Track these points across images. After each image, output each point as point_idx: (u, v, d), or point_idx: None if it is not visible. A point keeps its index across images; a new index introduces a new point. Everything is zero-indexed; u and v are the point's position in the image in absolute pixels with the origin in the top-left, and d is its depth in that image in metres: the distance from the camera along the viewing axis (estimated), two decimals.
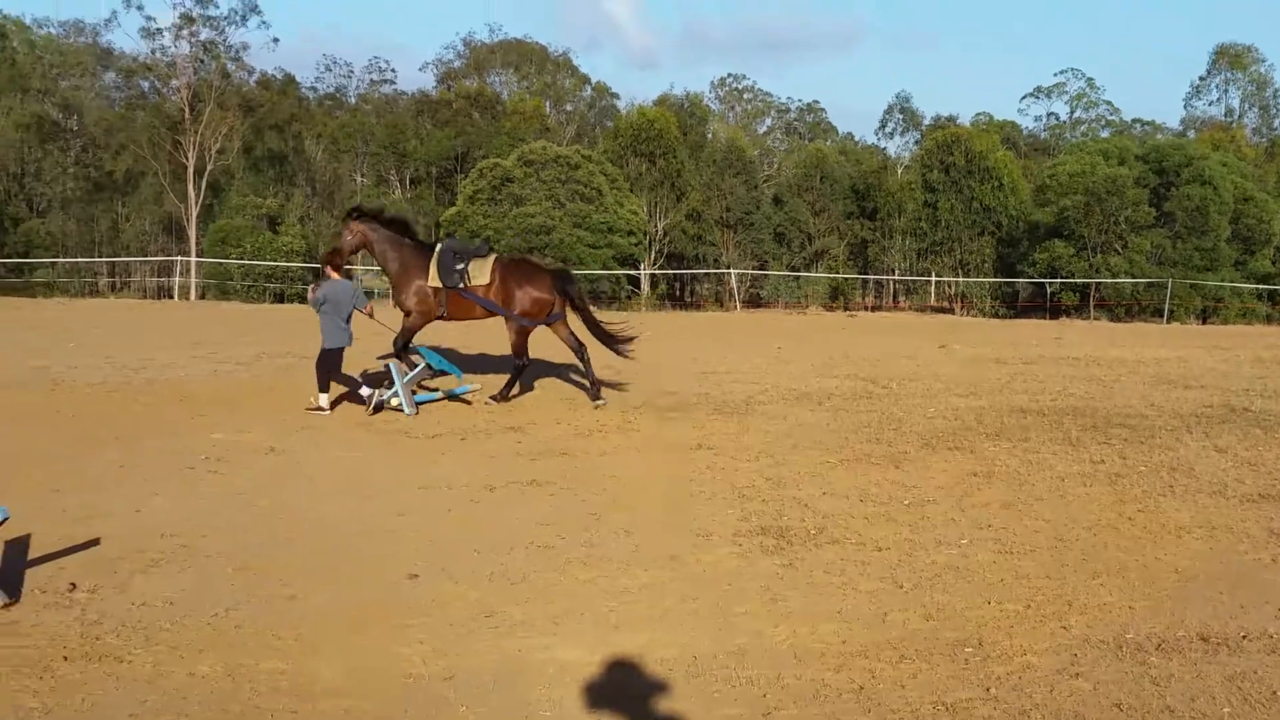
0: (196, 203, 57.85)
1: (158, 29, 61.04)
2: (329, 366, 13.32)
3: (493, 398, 14.22)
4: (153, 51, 61.79)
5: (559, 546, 8.13)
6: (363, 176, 76.11)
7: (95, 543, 7.85)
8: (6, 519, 6.55)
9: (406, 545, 8.12)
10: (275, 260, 49.79)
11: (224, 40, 61.45)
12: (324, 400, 13.30)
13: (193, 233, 56.94)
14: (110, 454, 10.72)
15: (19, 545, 7.66)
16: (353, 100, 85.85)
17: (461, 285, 14.02)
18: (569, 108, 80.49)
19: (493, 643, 6.32)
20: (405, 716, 5.32)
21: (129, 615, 6.52)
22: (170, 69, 61.35)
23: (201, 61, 60.81)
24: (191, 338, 21.01)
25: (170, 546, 7.87)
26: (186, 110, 58.89)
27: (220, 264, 49.48)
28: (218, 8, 61.33)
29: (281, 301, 46.62)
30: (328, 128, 74.31)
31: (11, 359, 16.85)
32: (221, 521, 8.59)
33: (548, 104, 77.77)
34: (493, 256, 14.37)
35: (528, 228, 50.14)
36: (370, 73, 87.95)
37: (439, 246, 14.22)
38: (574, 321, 14.64)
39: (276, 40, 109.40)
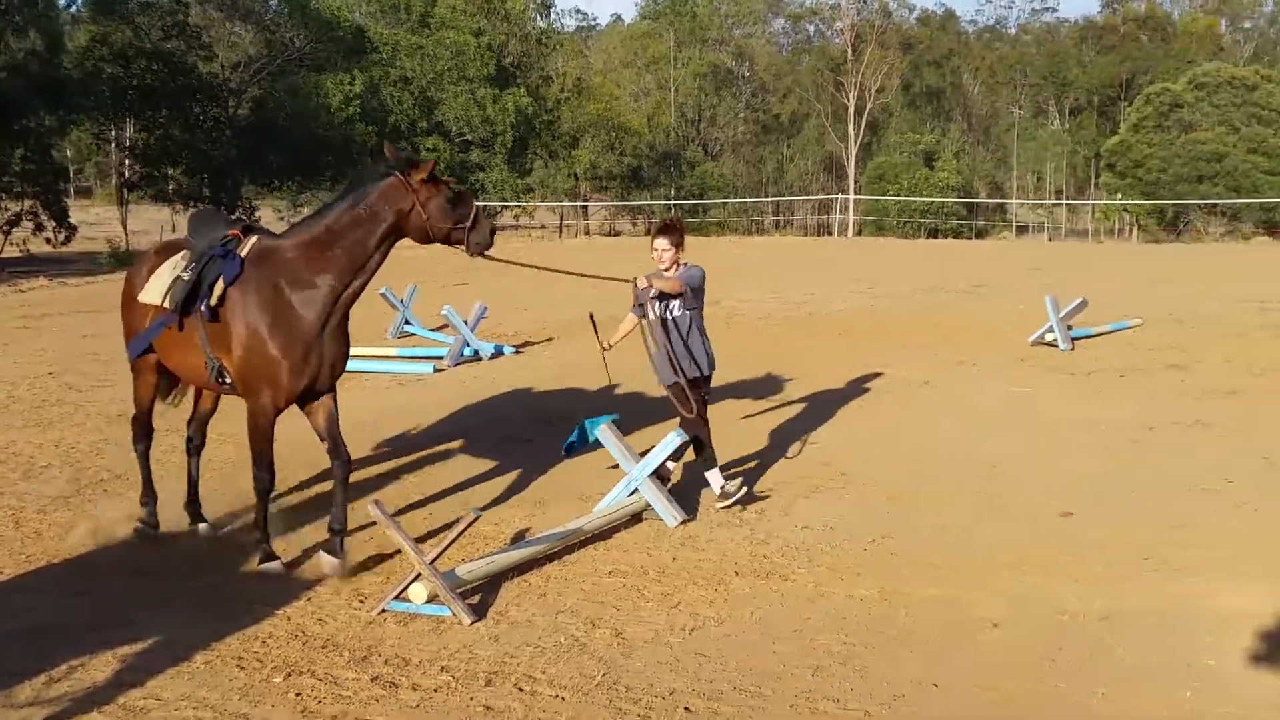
0: (856, 141, 59.95)
1: None
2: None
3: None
4: None
5: (1226, 491, 7.60)
6: (1020, 109, 74.36)
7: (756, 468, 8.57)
8: (688, 442, 7.35)
9: (1061, 483, 8.00)
10: (930, 196, 50.40)
11: None
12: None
13: (851, 171, 59.10)
14: (777, 386, 11.52)
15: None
16: (1012, 31, 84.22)
17: None
18: (1247, 25, 72.75)
19: (1152, 586, 6.04)
20: (1060, 654, 5.24)
21: (792, 537, 7.03)
22: (834, 12, 64.15)
23: (864, 3, 62.81)
24: (850, 274, 21.88)
25: (829, 474, 8.37)
26: (849, 51, 61.18)
27: (878, 201, 50.92)
28: None
29: (935, 236, 47.19)
30: (985, 61, 73.66)
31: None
32: (877, 452, 8.96)
33: (1223, 22, 71.09)
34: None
35: (1197, 155, 46.68)
36: (1031, 1, 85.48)
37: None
38: None
39: None
